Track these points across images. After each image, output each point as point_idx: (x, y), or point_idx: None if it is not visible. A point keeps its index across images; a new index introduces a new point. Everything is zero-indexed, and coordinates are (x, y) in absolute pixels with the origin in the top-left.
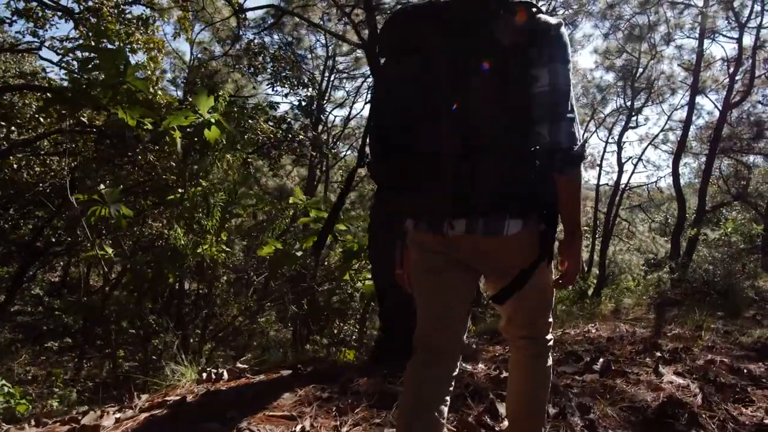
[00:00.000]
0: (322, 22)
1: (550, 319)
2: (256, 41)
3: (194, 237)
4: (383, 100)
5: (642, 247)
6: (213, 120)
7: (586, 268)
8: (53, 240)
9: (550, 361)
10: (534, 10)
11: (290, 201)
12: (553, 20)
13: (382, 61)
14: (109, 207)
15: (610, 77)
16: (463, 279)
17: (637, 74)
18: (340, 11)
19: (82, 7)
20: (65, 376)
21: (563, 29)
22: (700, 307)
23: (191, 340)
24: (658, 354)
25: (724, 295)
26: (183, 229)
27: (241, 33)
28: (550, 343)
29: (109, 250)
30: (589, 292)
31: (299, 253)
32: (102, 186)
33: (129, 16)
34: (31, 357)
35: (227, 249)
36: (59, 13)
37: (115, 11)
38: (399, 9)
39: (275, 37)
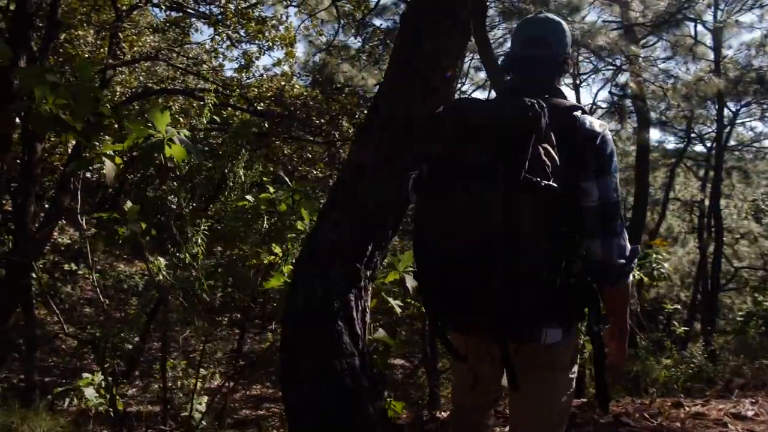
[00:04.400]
0: None
1: None
2: (383, 26)
3: None
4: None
5: None
6: (172, 137)
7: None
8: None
9: None
10: (578, 114)
11: None
12: (597, 126)
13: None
14: (126, 226)
15: None
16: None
17: None
18: None
19: (218, 12)
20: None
21: (609, 135)
22: None
23: None
24: None
25: None
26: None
27: (342, 22)
28: None
29: None
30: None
31: None
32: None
33: (257, 16)
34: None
35: None
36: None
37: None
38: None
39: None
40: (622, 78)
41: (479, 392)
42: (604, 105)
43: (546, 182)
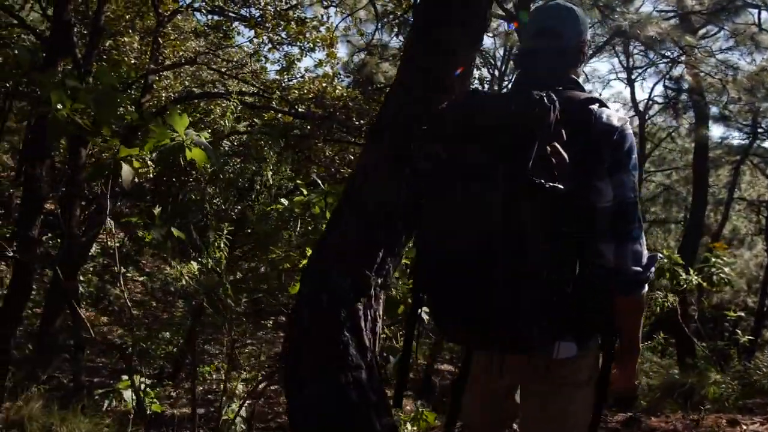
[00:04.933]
0: None
1: None
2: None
3: None
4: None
5: None
6: (192, 140)
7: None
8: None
9: None
10: (595, 107)
11: None
12: (616, 120)
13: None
14: (154, 230)
15: None
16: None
17: None
18: None
19: (258, 14)
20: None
21: (629, 130)
22: None
23: None
24: None
25: None
26: None
27: (381, 20)
28: None
29: None
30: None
31: None
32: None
33: (296, 17)
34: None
35: None
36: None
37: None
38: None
39: None
40: (678, 71)
41: (492, 410)
42: (661, 101)
43: (551, 184)
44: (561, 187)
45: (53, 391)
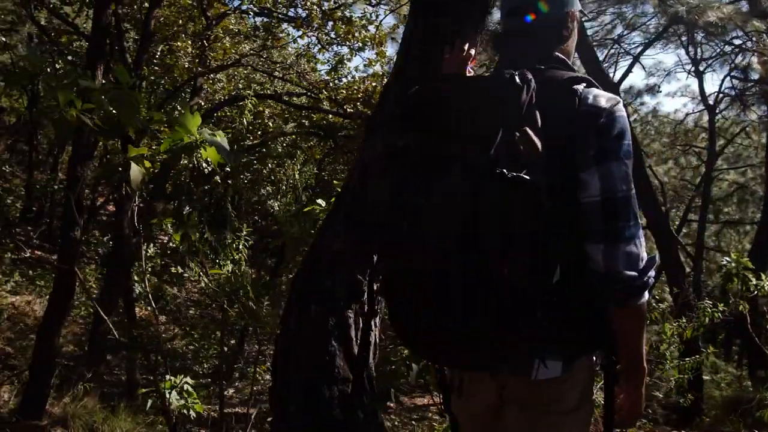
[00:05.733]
0: None
1: None
2: None
3: None
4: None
5: None
6: (204, 139)
7: None
8: None
9: None
10: (580, 87)
11: None
12: (604, 100)
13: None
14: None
15: None
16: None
17: None
18: None
19: (304, 14)
20: None
21: (620, 112)
22: None
23: None
24: None
25: None
26: None
27: None
28: None
29: None
30: None
31: None
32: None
33: (343, 17)
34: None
35: None
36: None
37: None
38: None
39: None
40: (746, 59)
41: None
42: (732, 93)
43: (514, 174)
44: (527, 177)
45: (106, 389)
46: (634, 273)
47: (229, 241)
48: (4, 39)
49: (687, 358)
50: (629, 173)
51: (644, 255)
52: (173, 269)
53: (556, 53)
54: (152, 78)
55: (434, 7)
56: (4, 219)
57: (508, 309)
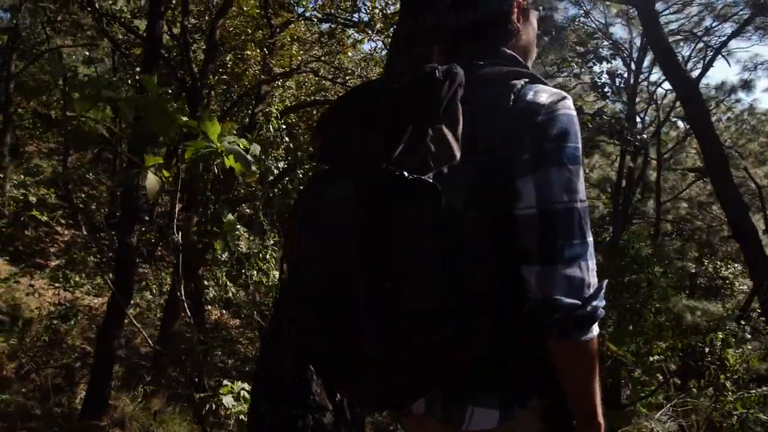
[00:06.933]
0: None
1: None
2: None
3: None
4: None
5: None
6: (225, 148)
7: None
8: None
9: None
10: (518, 82)
11: None
12: (545, 96)
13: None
14: (224, 239)
15: None
16: None
17: None
18: None
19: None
20: None
21: (564, 109)
22: None
23: None
24: None
25: None
26: None
27: None
28: None
29: None
30: None
31: None
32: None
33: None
34: None
35: None
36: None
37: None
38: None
39: None
40: None
41: None
42: None
43: (414, 176)
44: (430, 181)
45: (170, 390)
46: (575, 301)
47: (256, 250)
48: (87, 53)
49: (753, 391)
50: (574, 181)
51: (591, 280)
52: (243, 273)
53: (505, 49)
54: (223, 87)
55: (423, 9)
56: (89, 224)
57: (426, 343)
